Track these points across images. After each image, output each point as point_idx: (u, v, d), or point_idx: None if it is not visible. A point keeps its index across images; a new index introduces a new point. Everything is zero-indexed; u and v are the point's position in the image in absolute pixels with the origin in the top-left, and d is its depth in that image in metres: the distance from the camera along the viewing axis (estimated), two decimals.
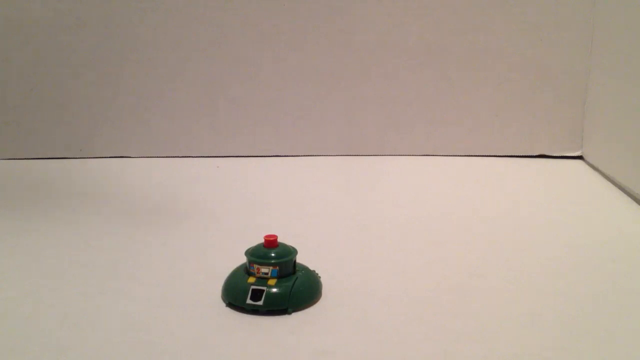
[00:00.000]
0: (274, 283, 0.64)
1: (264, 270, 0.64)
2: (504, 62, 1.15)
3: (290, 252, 0.66)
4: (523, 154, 1.18)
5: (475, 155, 1.18)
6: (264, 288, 0.63)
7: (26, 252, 0.79)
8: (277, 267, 0.64)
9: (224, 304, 0.65)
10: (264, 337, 0.59)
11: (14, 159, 1.19)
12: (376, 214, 0.93)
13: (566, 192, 1.03)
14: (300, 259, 0.67)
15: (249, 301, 0.63)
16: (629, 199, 0.96)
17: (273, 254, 0.65)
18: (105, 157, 1.20)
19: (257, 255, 0.65)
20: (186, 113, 1.19)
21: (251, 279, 0.64)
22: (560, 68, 1.15)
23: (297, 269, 0.66)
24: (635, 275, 0.72)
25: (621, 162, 1.01)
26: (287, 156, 1.20)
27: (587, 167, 1.13)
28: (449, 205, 0.96)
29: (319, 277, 0.68)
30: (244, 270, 0.66)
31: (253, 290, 0.63)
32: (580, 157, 1.17)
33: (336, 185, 1.05)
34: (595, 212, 0.93)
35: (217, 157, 1.19)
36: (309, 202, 0.98)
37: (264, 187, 1.06)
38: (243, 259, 0.67)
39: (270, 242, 0.66)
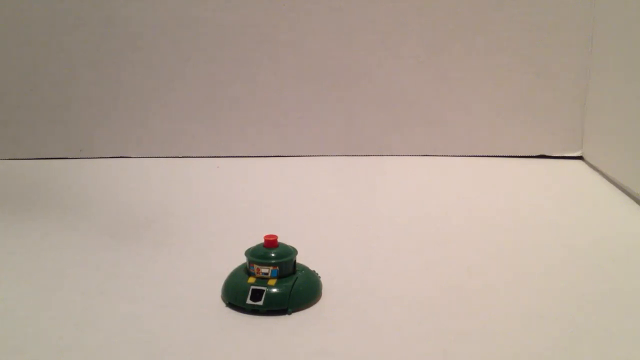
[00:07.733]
0: (274, 283, 0.64)
1: (264, 270, 0.64)
2: (504, 62, 1.15)
3: (290, 252, 0.66)
4: (523, 154, 1.18)
5: (475, 155, 1.18)
6: (264, 288, 0.63)
7: (26, 252, 0.79)
8: (277, 267, 0.64)
9: (224, 304, 0.65)
10: (264, 337, 0.59)
11: (14, 159, 1.19)
12: (376, 214, 0.93)
13: (566, 192, 1.03)
14: (300, 259, 0.67)
15: (249, 301, 0.63)
16: (629, 199, 0.96)
17: (273, 254, 0.65)
18: (105, 157, 1.20)
19: (257, 255, 0.65)
20: (186, 113, 1.19)
21: (251, 279, 0.64)
22: (560, 68, 1.15)
23: (297, 269, 0.66)
24: (635, 275, 0.72)
25: (621, 162, 1.01)
26: (287, 156, 1.19)
27: (587, 167, 1.13)
28: (449, 205, 0.96)
29: (319, 277, 0.68)
30: (244, 271, 0.66)
31: (253, 290, 0.63)
32: (580, 157, 1.17)
33: (336, 186, 1.05)
34: (595, 212, 0.93)
35: (217, 157, 1.19)
36: (309, 202, 0.98)
37: (264, 187, 1.06)
38: (243, 259, 0.67)
39: (270, 242, 0.66)
